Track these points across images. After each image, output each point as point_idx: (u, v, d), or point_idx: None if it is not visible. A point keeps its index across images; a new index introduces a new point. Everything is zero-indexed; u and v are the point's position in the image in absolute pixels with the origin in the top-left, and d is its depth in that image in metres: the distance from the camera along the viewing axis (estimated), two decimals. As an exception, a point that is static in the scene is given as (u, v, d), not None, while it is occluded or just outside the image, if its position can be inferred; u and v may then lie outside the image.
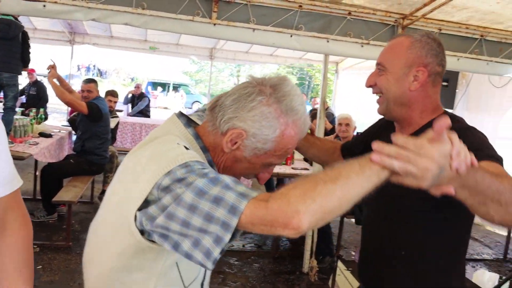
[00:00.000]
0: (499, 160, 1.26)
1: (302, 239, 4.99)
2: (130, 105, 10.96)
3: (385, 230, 1.54)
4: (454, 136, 0.88)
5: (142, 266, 1.09)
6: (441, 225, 1.39)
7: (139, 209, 1.00)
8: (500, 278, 4.74)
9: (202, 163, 1.03)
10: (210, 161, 1.17)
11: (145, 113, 10.41)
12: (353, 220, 4.98)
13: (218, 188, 0.94)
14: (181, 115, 1.23)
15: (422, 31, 1.49)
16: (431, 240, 1.41)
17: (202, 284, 1.24)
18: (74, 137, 6.18)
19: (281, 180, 5.08)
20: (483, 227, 6.39)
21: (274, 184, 6.12)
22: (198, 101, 26.38)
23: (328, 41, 3.99)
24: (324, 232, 4.40)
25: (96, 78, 10.44)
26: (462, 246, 1.49)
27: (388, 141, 1.43)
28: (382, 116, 1.58)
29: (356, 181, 0.91)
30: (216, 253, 0.93)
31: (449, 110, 6.18)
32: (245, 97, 1.12)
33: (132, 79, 31.12)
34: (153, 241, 1.02)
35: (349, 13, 3.94)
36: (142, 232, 1.02)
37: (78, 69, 27.22)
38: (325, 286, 4.21)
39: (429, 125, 1.42)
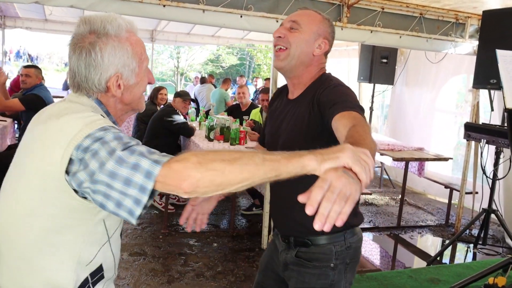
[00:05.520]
0: (359, 109, 1.45)
1: (258, 217, 5.11)
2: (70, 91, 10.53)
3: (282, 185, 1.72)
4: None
5: (72, 224, 1.16)
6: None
7: (67, 171, 1.08)
8: (443, 242, 5.07)
9: (117, 128, 1.15)
10: (114, 121, 1.32)
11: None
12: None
13: (135, 156, 1.02)
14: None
15: (325, 15, 1.74)
16: None
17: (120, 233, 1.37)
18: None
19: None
20: (425, 195, 6.75)
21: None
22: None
23: (277, 21, 4.05)
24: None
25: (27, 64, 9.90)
26: None
27: (282, 103, 1.85)
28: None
29: (252, 170, 0.98)
30: (138, 212, 1.03)
31: (390, 86, 6.39)
32: (87, 58, 1.22)
33: (66, 64, 29.81)
34: (85, 198, 1.11)
35: (297, -7, 4.01)
36: (75, 191, 1.11)
37: (6, 55, 25.59)
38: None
39: (312, 86, 1.69)
